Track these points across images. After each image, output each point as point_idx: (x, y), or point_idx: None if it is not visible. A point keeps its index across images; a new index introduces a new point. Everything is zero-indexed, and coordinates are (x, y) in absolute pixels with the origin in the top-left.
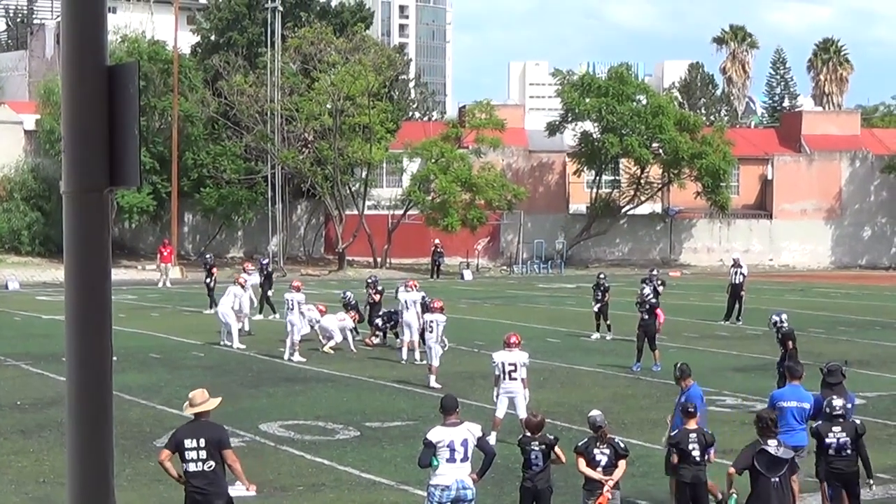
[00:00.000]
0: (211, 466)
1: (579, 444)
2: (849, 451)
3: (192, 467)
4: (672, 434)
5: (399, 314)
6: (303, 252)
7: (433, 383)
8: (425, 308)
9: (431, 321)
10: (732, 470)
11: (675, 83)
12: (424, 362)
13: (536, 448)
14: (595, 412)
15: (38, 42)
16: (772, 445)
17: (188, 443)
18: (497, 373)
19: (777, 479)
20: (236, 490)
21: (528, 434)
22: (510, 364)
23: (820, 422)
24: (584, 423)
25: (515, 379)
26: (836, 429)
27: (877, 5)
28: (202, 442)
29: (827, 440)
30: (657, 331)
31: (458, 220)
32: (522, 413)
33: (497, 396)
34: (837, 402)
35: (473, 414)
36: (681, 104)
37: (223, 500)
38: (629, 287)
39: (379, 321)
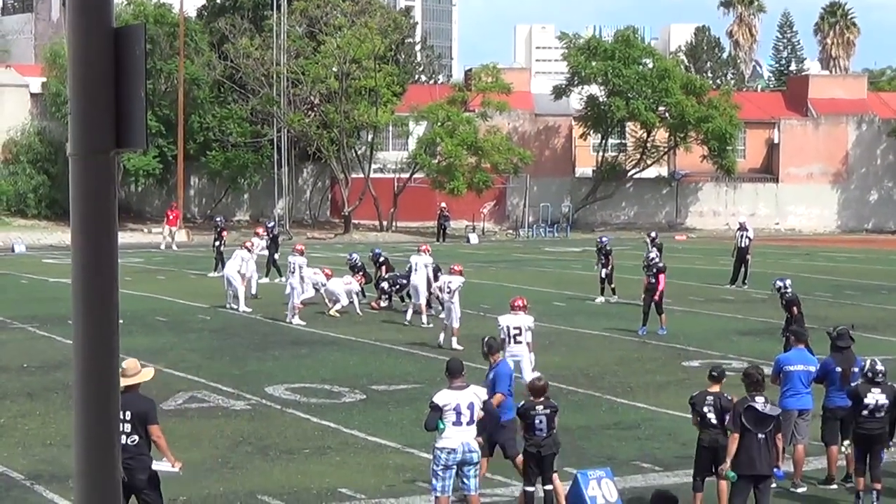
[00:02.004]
0: (135, 441)
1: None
2: (882, 414)
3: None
4: (693, 395)
5: (408, 277)
6: (309, 215)
7: (455, 345)
8: (436, 273)
9: (450, 282)
10: (736, 435)
11: (681, 46)
12: (431, 325)
13: (542, 412)
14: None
15: (44, 5)
16: (759, 402)
17: None
18: (503, 336)
19: (763, 436)
20: (161, 465)
21: (532, 398)
22: (516, 328)
23: (858, 382)
24: (590, 387)
25: (521, 342)
26: (877, 390)
27: None
28: (128, 415)
29: (866, 400)
30: (656, 298)
31: (464, 184)
32: (528, 377)
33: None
34: (880, 366)
35: (479, 377)
36: (687, 68)
37: (145, 475)
38: (635, 251)
39: (385, 285)
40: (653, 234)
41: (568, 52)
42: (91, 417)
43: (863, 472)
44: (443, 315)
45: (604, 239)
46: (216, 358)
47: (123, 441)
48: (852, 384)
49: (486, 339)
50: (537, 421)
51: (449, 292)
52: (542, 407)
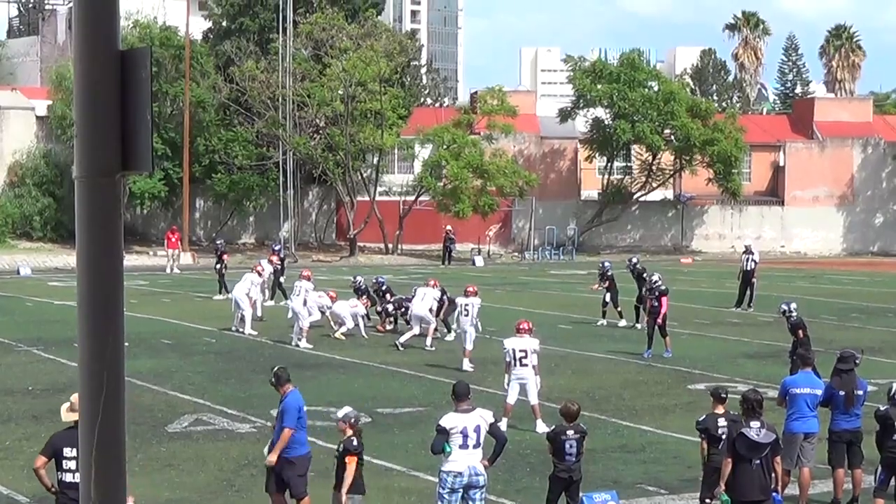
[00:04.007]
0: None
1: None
2: None
3: (68, 477)
4: (700, 420)
5: (409, 300)
6: (314, 238)
7: (466, 366)
8: (441, 306)
9: (467, 304)
10: (729, 459)
11: (687, 69)
12: (434, 349)
13: (572, 437)
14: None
15: (50, 28)
16: (753, 427)
17: (67, 451)
18: (508, 359)
19: (758, 462)
20: None
21: (564, 423)
22: (521, 350)
23: (888, 406)
24: (595, 410)
25: (527, 365)
26: None
27: None
28: (75, 451)
29: None
30: (658, 321)
31: (470, 207)
32: (534, 399)
33: (508, 383)
34: None
35: (485, 400)
36: (693, 91)
37: None
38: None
39: (390, 307)
40: (633, 260)
41: (573, 75)
42: (96, 440)
43: (883, 494)
44: (448, 338)
45: (606, 263)
46: (221, 380)
47: (71, 479)
48: (882, 408)
49: (274, 369)
50: (568, 445)
51: (467, 315)
52: (572, 432)
